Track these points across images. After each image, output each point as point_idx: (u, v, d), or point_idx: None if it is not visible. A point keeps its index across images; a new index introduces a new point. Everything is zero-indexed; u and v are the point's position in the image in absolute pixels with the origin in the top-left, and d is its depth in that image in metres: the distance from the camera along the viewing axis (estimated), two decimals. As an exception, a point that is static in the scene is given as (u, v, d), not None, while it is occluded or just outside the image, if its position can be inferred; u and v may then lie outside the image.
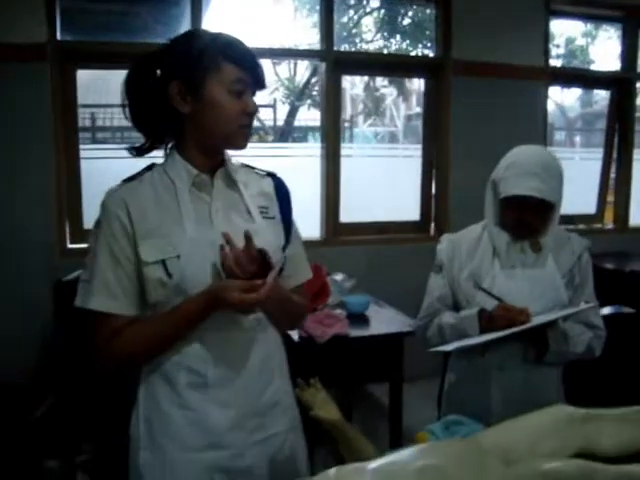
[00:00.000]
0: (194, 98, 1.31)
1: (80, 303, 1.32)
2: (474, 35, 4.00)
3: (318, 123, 4.12)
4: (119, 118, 5.40)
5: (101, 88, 4.82)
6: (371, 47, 5.64)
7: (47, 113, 3.37)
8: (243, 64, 1.31)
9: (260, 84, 1.37)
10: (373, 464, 1.21)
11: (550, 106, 5.01)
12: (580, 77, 4.83)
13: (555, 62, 5.08)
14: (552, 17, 4.32)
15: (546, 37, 4.25)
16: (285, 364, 1.52)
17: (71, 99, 3.52)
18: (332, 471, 1.20)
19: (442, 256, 1.91)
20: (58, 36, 3.41)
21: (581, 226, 4.59)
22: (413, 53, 5.31)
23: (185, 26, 3.63)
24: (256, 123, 1.47)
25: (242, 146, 1.38)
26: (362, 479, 1.13)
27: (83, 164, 3.64)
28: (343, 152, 4.07)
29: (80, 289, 1.34)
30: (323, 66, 3.88)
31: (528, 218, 1.73)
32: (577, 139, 6.82)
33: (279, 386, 1.46)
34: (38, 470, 2.77)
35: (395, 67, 4.27)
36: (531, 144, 1.84)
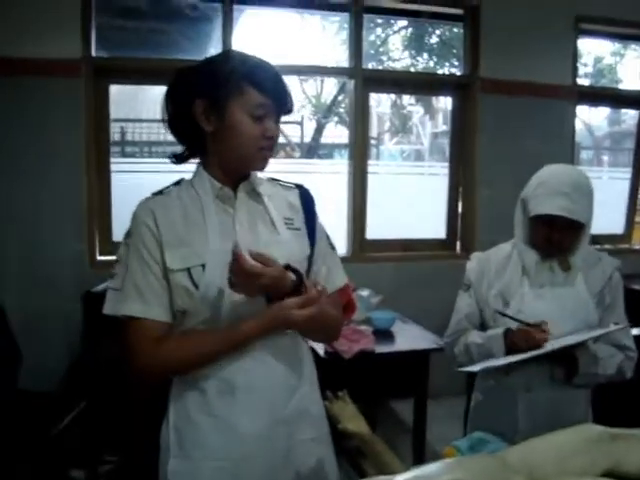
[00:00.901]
0: (217, 118, 1.35)
1: (111, 311, 1.34)
2: (502, 53, 4.00)
3: (344, 140, 4.15)
4: (148, 133, 5.52)
5: (130, 103, 4.91)
6: (398, 65, 5.66)
7: (80, 128, 3.45)
8: (267, 90, 1.34)
9: (285, 110, 1.40)
10: (400, 477, 1.22)
11: (578, 125, 4.99)
12: (608, 96, 4.79)
13: (583, 81, 5.05)
14: (581, 36, 4.31)
15: (574, 56, 4.24)
16: (314, 372, 1.52)
17: (104, 114, 3.60)
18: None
19: (471, 275, 1.92)
20: (93, 52, 3.49)
21: (607, 246, 4.54)
22: (440, 71, 5.32)
23: (215, 43, 3.70)
24: (282, 139, 1.50)
25: (260, 168, 1.42)
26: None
27: (113, 178, 3.71)
28: (370, 169, 4.09)
29: (110, 297, 1.36)
30: (352, 83, 3.91)
31: (557, 237, 1.72)
32: (605, 158, 6.75)
33: (307, 393, 1.46)
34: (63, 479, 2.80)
35: (422, 85, 4.30)
36: (560, 163, 1.84)
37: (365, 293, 3.18)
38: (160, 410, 1.48)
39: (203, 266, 1.32)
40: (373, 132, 6.81)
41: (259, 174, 1.48)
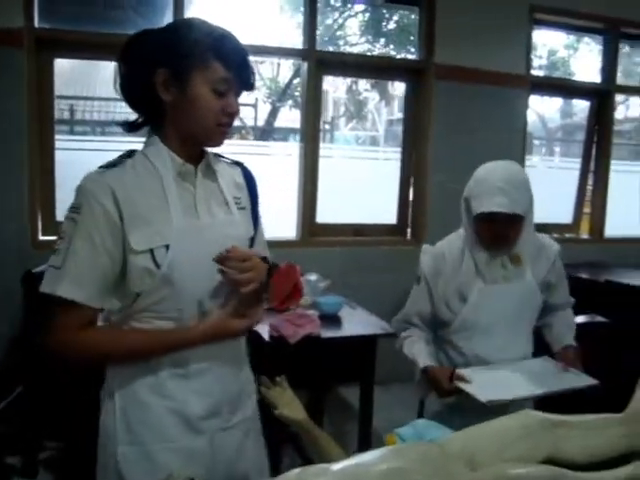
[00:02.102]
0: (178, 89, 1.30)
1: (48, 289, 1.26)
2: (457, 40, 4.00)
3: (299, 125, 4.09)
4: (98, 111, 5.36)
5: (83, 80, 4.76)
6: (355, 50, 5.62)
7: (22, 102, 3.30)
8: (231, 65, 1.30)
9: (247, 86, 1.37)
10: (337, 465, 1.19)
11: (531, 116, 5.04)
12: (560, 87, 4.87)
13: (537, 72, 5.11)
14: (535, 26, 4.34)
15: (528, 45, 4.27)
16: (246, 352, 1.54)
17: (47, 89, 3.45)
18: (295, 472, 1.18)
19: (425, 270, 1.99)
20: (36, 23, 3.35)
21: (555, 235, 4.61)
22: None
23: (168, 19, 3.59)
24: (237, 122, 1.46)
25: (218, 144, 1.39)
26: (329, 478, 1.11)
27: (58, 155, 3.58)
28: (322, 153, 4.05)
29: (48, 274, 1.27)
30: (305, 66, 3.85)
31: (501, 231, 1.81)
32: (557, 149, 6.88)
33: (247, 374, 1.50)
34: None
35: (377, 70, 4.26)
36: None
37: (313, 277, 3.15)
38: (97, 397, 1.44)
39: (166, 246, 1.28)
40: (328, 116, 6.78)
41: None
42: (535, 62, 5.20)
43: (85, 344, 1.31)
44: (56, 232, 3.46)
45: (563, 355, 1.98)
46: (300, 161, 3.97)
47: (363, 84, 6.47)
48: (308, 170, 3.93)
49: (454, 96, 4.05)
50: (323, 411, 3.16)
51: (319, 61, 3.86)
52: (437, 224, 3.04)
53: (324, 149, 4.11)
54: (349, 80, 6.73)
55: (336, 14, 5.92)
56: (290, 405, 1.32)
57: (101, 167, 1.32)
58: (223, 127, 1.35)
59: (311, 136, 3.92)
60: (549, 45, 5.32)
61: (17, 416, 2.73)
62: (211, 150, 1.46)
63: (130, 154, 1.36)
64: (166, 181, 1.32)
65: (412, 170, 4.24)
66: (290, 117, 6.22)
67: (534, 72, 4.51)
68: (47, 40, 3.38)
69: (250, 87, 1.38)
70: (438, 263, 1.96)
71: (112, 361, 1.37)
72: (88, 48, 3.49)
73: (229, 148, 1.50)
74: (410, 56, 4.54)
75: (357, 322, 2.90)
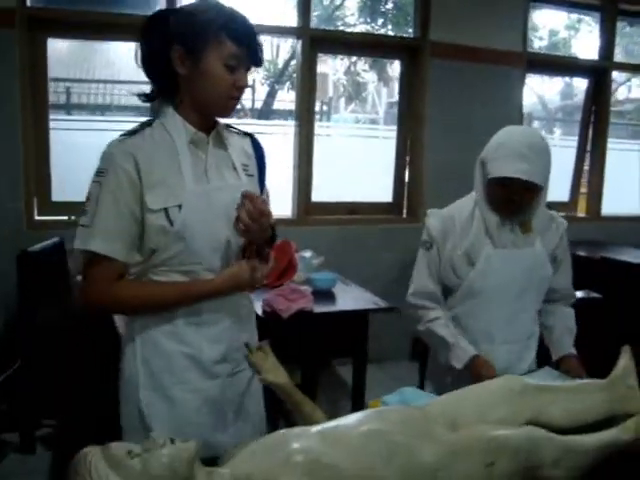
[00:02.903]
0: (192, 63, 1.42)
1: (81, 245, 1.40)
2: (453, 18, 3.98)
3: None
4: (95, 94, 5.35)
5: (80, 62, 4.74)
6: (354, 30, 5.58)
7: (14, 83, 3.29)
8: (242, 42, 1.41)
9: (256, 62, 1.48)
10: (318, 427, 1.21)
11: (531, 97, 5.03)
12: (558, 65, 4.83)
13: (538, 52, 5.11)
14: (532, 3, 4.31)
15: (525, 23, 4.24)
16: (253, 308, 1.71)
17: (41, 69, 3.44)
18: (280, 432, 1.20)
19: (434, 232, 1.90)
20: (28, 2, 3.33)
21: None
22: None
23: (160, -1, 3.58)
24: None
25: (227, 115, 1.53)
26: (308, 440, 1.13)
27: (55, 136, 3.58)
28: (321, 131, 4.05)
29: (79, 232, 1.41)
30: (299, 44, 3.84)
31: (515, 198, 1.76)
32: (557, 130, 6.86)
33: (253, 325, 1.68)
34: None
35: (373, 48, 4.24)
36: None
37: (307, 254, 3.16)
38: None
39: (179, 206, 1.41)
40: (327, 97, 6.75)
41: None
42: (536, 43, 5.19)
43: (118, 295, 1.45)
44: (52, 212, 3.51)
45: (568, 366, 1.90)
46: (294, 140, 3.96)
47: (361, 65, 6.45)
48: (303, 149, 3.92)
49: (450, 74, 4.03)
50: (317, 387, 3.18)
51: (313, 39, 3.84)
52: (433, 202, 3.00)
53: (321, 127, 4.10)
54: (347, 61, 6.71)
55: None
56: (273, 370, 1.33)
57: (123, 135, 1.45)
58: (233, 99, 1.47)
59: (305, 115, 3.91)
60: (550, 25, 5.30)
61: (14, 394, 2.75)
62: (223, 121, 1.58)
63: (149, 123, 1.48)
64: (180, 148, 1.46)
65: (408, 149, 4.22)
66: (288, 98, 6.21)
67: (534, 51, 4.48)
68: (40, 20, 3.37)
69: (259, 63, 1.49)
70: (447, 225, 1.88)
71: (142, 311, 1.49)
72: (82, 28, 3.49)
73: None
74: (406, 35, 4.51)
75: (350, 298, 2.91)
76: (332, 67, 7.62)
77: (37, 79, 3.43)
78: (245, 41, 1.41)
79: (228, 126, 1.63)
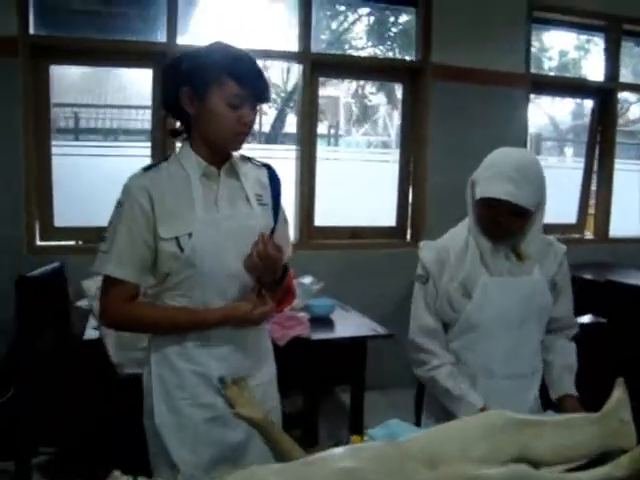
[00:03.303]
0: (199, 103, 1.55)
1: (98, 269, 1.59)
2: (454, 40, 3.99)
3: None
4: (103, 119, 5.40)
5: (92, 87, 4.80)
6: (361, 54, 5.61)
7: (17, 109, 3.34)
8: (244, 82, 1.53)
9: (260, 99, 1.60)
10: (292, 464, 1.18)
11: (542, 118, 5.00)
12: (563, 86, 4.81)
13: (548, 73, 5.12)
14: (535, 25, 4.31)
15: (528, 44, 4.24)
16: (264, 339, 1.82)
17: (44, 95, 3.48)
18: (252, 468, 1.17)
19: (428, 265, 1.83)
20: (31, 30, 3.38)
21: (558, 235, 4.56)
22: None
23: (162, 24, 3.60)
24: None
25: (235, 149, 1.65)
26: (278, 478, 1.09)
27: (60, 162, 3.61)
28: (329, 155, 4.06)
29: (98, 257, 1.60)
30: (301, 68, 3.85)
31: (503, 221, 1.70)
32: (569, 150, 6.82)
33: (267, 344, 1.81)
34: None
35: (374, 71, 4.26)
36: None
37: (306, 280, 3.13)
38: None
39: (189, 234, 1.55)
40: (336, 119, 6.77)
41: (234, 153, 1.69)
42: (545, 64, 5.18)
43: (130, 314, 1.62)
44: (55, 237, 3.51)
45: (566, 407, 1.81)
46: (296, 164, 3.96)
47: (369, 88, 6.47)
48: (305, 173, 3.92)
49: (452, 96, 4.03)
50: (319, 413, 3.14)
51: (314, 63, 3.86)
52: (437, 225, 2.96)
53: (329, 152, 4.11)
54: (354, 84, 6.74)
55: (342, 18, 5.95)
56: (248, 405, 1.30)
57: (143, 168, 1.62)
58: (239, 134, 1.59)
59: (308, 139, 3.91)
60: (559, 46, 5.29)
61: (9, 421, 2.73)
62: (241, 153, 1.72)
63: (166, 158, 1.67)
64: (193, 180, 1.60)
65: (411, 171, 4.21)
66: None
67: (544, 73, 4.47)
68: (43, 47, 3.41)
69: (264, 100, 1.62)
70: (442, 257, 1.82)
71: (151, 331, 1.70)
72: (84, 55, 3.54)
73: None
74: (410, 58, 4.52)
75: (349, 324, 2.89)
76: (344, 90, 7.64)
77: (40, 105, 3.47)
78: (248, 81, 1.53)
79: (246, 157, 1.75)
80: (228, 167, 1.66)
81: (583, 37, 5.27)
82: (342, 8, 5.35)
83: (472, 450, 1.25)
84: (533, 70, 4.38)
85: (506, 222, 1.71)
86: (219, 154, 1.63)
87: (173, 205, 1.56)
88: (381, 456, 1.16)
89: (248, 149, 1.74)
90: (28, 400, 2.83)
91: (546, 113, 5.76)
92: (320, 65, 3.91)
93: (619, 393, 1.45)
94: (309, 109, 3.89)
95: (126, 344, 2.50)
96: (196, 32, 3.93)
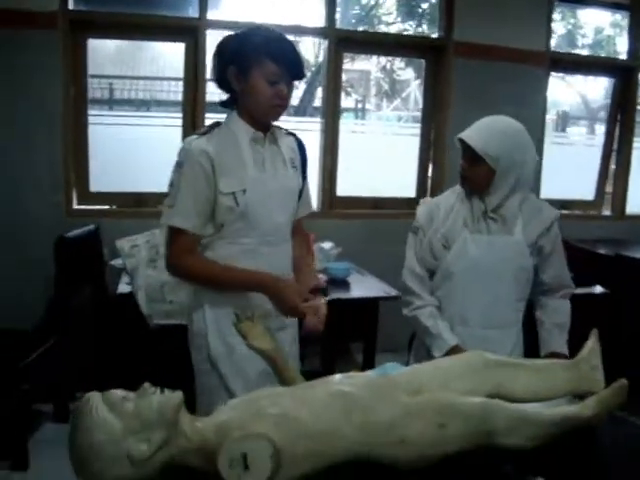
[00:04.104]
0: (243, 80, 1.78)
1: (165, 221, 1.81)
2: (476, 17, 4.04)
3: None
4: (136, 90, 5.59)
5: (127, 59, 4.98)
6: (391, 29, 5.67)
7: (57, 80, 3.53)
8: (281, 62, 1.74)
9: (295, 77, 1.82)
10: (294, 387, 1.37)
11: (574, 96, 5.04)
12: (584, 64, 4.84)
13: (580, 51, 5.17)
14: (561, 3, 4.35)
15: (548, 22, 4.28)
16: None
17: (82, 67, 3.68)
18: (259, 390, 1.36)
19: (420, 218, 2.05)
20: (70, 5, 3.56)
21: (577, 212, 4.67)
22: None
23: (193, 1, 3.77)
24: None
25: (274, 119, 1.88)
26: (280, 397, 1.28)
27: (96, 130, 3.81)
28: (355, 129, 4.18)
29: (165, 211, 1.81)
30: (325, 44, 3.99)
31: (465, 167, 1.90)
32: (599, 129, 6.84)
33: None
34: (29, 413, 2.97)
35: (398, 47, 4.37)
36: (531, 129, 1.98)
37: (326, 245, 3.31)
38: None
39: (244, 190, 1.79)
40: (369, 93, 6.88)
41: None
42: (579, 41, 5.21)
43: (191, 267, 1.84)
44: (90, 202, 3.73)
45: None
46: (320, 136, 4.11)
47: (397, 63, 6.55)
48: (328, 145, 4.06)
49: (473, 73, 4.10)
50: (335, 364, 3.34)
51: (339, 39, 3.98)
52: None
53: (355, 125, 4.23)
54: (383, 59, 6.82)
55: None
56: (259, 337, 1.49)
57: (198, 133, 1.84)
58: (276, 107, 1.81)
59: (331, 112, 4.05)
60: (594, 24, 5.28)
61: (49, 367, 2.97)
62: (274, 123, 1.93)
63: (217, 125, 1.87)
64: (242, 144, 1.82)
65: (431, 145, 4.33)
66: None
67: (578, 51, 4.51)
68: (81, 21, 3.60)
69: (299, 77, 1.84)
70: (433, 212, 2.01)
71: (206, 284, 1.88)
72: (120, 29, 3.73)
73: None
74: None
75: (364, 287, 3.07)
76: (373, 64, 7.69)
77: (77, 76, 3.67)
78: (283, 60, 1.74)
79: (277, 127, 1.95)
80: (270, 134, 1.89)
81: (618, 16, 5.26)
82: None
83: (453, 384, 1.42)
84: (565, 49, 4.43)
85: (465, 167, 1.89)
86: (261, 123, 1.85)
87: (229, 165, 1.79)
88: (372, 384, 1.34)
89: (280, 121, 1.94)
90: (67, 349, 3.08)
91: (577, 91, 5.79)
92: (344, 41, 4.04)
93: (592, 342, 1.60)
94: (333, 83, 4.02)
95: (156, 297, 2.72)
96: (226, 7, 4.09)
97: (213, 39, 3.74)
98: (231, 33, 1.84)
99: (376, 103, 7.96)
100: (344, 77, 4.30)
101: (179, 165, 1.81)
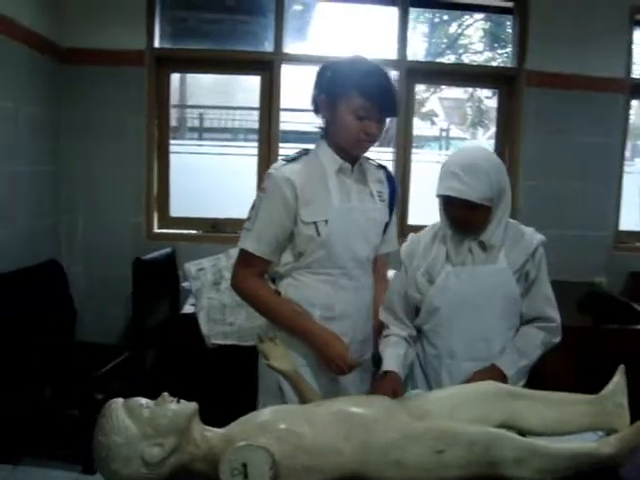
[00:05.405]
0: (332, 111, 1.78)
1: (240, 243, 1.82)
2: (550, 46, 3.99)
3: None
4: (218, 119, 5.88)
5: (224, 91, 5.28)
6: (479, 58, 5.69)
7: (143, 112, 3.83)
8: (370, 96, 1.70)
9: (387, 113, 1.78)
10: (304, 405, 1.46)
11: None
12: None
13: None
14: (636, 27, 4.24)
15: (629, 48, 4.16)
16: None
17: (165, 99, 3.97)
18: (272, 407, 1.44)
19: (403, 255, 1.96)
20: (156, 44, 3.86)
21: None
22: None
23: (270, 35, 3.97)
24: None
25: (359, 155, 1.86)
26: (288, 414, 1.36)
27: (175, 158, 4.08)
28: (439, 159, 4.21)
29: (242, 234, 1.83)
30: (397, 75, 4.08)
31: (460, 216, 1.78)
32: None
33: (371, 323, 1.97)
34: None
35: (469, 77, 4.39)
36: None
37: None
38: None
39: (326, 221, 1.77)
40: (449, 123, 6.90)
41: None
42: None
43: (250, 290, 1.85)
44: (169, 226, 3.96)
45: (479, 374, 1.79)
46: (392, 165, 4.17)
47: (485, 91, 6.55)
48: (399, 175, 4.12)
49: (546, 102, 4.04)
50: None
51: (409, 71, 4.06)
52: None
53: (440, 155, 4.25)
54: (470, 89, 6.84)
55: (455, 25, 6.08)
56: (280, 358, 1.58)
57: (285, 160, 1.84)
58: (362, 142, 1.78)
59: (402, 142, 4.13)
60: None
61: (122, 377, 3.18)
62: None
63: (306, 152, 1.87)
64: (329, 174, 1.82)
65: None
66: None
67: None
68: (165, 58, 3.89)
69: (391, 114, 1.81)
70: (414, 246, 1.93)
71: (258, 310, 1.88)
72: (200, 64, 3.99)
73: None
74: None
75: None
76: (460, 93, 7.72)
77: (161, 108, 3.95)
78: (373, 96, 1.70)
79: (368, 158, 1.95)
80: (358, 165, 1.87)
81: None
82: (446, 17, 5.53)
83: (460, 412, 1.45)
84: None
85: (463, 216, 1.77)
86: (349, 155, 1.83)
87: (313, 194, 1.77)
88: (379, 406, 1.40)
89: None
90: (138, 364, 3.29)
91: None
92: (416, 72, 4.11)
93: (618, 378, 1.58)
94: (405, 114, 4.09)
95: (216, 318, 2.87)
96: (300, 41, 4.28)
97: (287, 71, 3.95)
98: (333, 61, 1.82)
99: (472, 132, 7.94)
100: (428, 106, 4.36)
101: (262, 190, 1.81)
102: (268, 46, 3.98)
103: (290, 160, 1.83)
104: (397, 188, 2.04)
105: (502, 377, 1.77)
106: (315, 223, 1.77)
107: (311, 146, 1.91)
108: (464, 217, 1.77)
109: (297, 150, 1.89)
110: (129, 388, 3.23)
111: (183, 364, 3.03)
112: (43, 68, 3.54)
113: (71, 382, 3.08)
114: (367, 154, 1.91)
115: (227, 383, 2.79)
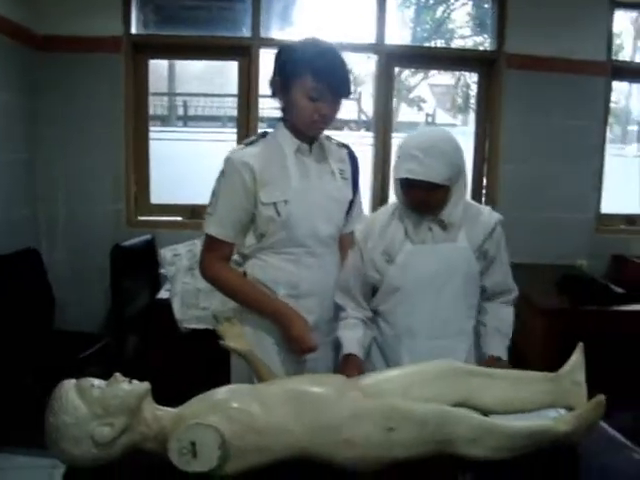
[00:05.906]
0: (285, 93, 1.79)
1: (204, 228, 1.84)
2: (529, 29, 3.96)
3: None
4: (204, 107, 5.85)
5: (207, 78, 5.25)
6: (466, 43, 5.66)
7: (120, 99, 3.81)
8: (322, 78, 1.71)
9: (339, 94, 1.78)
10: (257, 385, 1.45)
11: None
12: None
13: None
14: (617, 9, 4.22)
15: (609, 30, 4.14)
16: None
17: (143, 87, 3.95)
18: (226, 386, 1.44)
19: (357, 235, 1.94)
20: (133, 30, 3.83)
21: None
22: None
23: (248, 20, 3.94)
24: (344, 116, 1.86)
25: (315, 135, 1.86)
26: (239, 393, 1.35)
27: (154, 145, 4.07)
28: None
29: (205, 219, 1.85)
30: (376, 59, 4.06)
31: (420, 197, 1.76)
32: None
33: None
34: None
35: (450, 61, 4.37)
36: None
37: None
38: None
39: (285, 201, 1.78)
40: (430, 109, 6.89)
41: None
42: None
43: (218, 274, 1.86)
44: (151, 213, 3.96)
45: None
46: (372, 150, 4.17)
47: (469, 76, 6.54)
48: (379, 159, 4.12)
49: (526, 85, 4.03)
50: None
51: (389, 54, 4.04)
52: (509, 211, 2.86)
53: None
54: (457, 73, 6.81)
55: (442, 7, 6.08)
56: (236, 338, 1.58)
57: (244, 143, 1.86)
58: (316, 123, 1.78)
59: (382, 126, 4.11)
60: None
61: (103, 362, 3.18)
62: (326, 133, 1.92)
63: (264, 135, 1.88)
64: (288, 155, 1.82)
65: (485, 159, 4.29)
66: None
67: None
68: (142, 44, 3.86)
69: (343, 95, 1.80)
70: (368, 227, 1.92)
71: (227, 294, 1.91)
72: (177, 50, 3.97)
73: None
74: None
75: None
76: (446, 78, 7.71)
77: (139, 95, 3.93)
78: (325, 78, 1.71)
79: (328, 137, 1.96)
80: (317, 145, 1.88)
81: None
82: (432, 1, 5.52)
83: (415, 390, 1.43)
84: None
85: (423, 197, 1.75)
86: (305, 135, 1.83)
87: (271, 175, 1.78)
88: (333, 383, 1.38)
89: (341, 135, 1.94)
90: (118, 349, 3.30)
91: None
92: (395, 56, 4.09)
93: (576, 356, 1.57)
94: (383, 98, 4.08)
95: (190, 303, 2.88)
96: (280, 26, 4.25)
97: (266, 57, 3.91)
98: (288, 44, 1.83)
99: (463, 118, 7.95)
100: (416, 92, 4.35)
101: (221, 174, 1.82)
102: (246, 32, 3.96)
103: (248, 144, 1.84)
104: (358, 165, 2.02)
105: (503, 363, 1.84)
106: (275, 204, 1.79)
107: (270, 130, 1.91)
108: (424, 198, 1.76)
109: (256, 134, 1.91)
110: (109, 375, 3.29)
111: (160, 349, 3.03)
112: (19, 56, 3.51)
113: (52, 369, 3.07)
114: (338, 134, 1.95)
115: (203, 367, 2.79)
